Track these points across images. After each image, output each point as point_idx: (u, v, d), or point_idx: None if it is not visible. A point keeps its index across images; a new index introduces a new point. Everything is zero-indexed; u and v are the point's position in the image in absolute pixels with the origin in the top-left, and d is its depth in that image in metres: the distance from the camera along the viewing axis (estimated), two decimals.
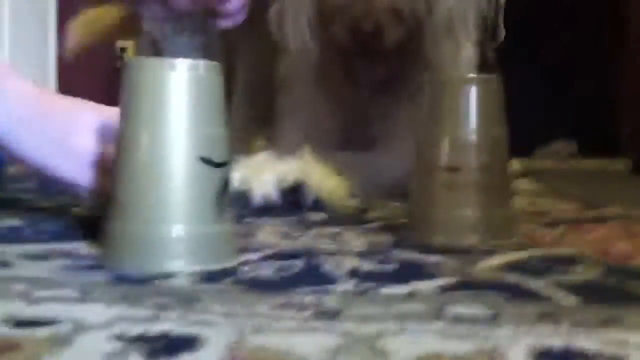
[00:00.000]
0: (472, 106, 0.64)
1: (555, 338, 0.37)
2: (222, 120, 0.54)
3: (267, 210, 0.82)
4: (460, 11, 0.96)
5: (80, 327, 0.37)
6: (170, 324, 0.38)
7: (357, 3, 0.91)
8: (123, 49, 2.75)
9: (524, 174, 1.39)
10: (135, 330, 0.37)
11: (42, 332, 0.36)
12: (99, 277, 0.49)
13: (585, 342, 0.36)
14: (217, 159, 0.53)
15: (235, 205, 0.83)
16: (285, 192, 0.85)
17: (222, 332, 0.37)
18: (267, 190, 0.84)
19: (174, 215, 0.51)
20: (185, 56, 1.42)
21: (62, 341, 0.35)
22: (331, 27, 0.95)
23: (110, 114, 0.61)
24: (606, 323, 0.40)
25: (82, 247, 0.58)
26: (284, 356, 0.34)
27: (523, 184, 1.23)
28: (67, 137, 0.62)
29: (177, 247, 0.51)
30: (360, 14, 0.91)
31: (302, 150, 0.89)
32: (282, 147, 0.96)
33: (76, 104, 0.65)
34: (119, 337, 0.36)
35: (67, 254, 0.56)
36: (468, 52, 1.05)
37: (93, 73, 2.05)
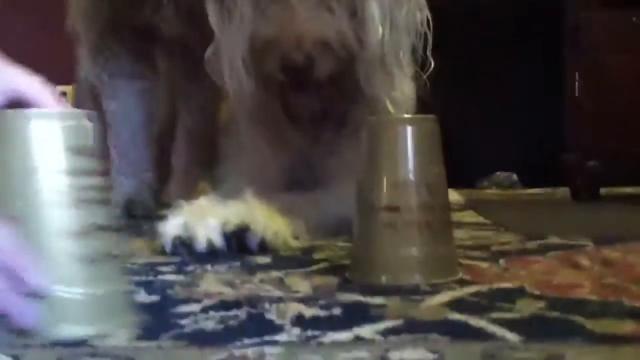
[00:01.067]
0: (409, 146, 0.64)
1: None
2: None
3: (211, 255, 0.81)
4: (392, 44, 0.97)
5: None
6: None
7: (286, 36, 0.92)
8: (63, 93, 2.71)
9: (467, 206, 1.41)
10: None
11: None
12: (31, 340, 0.47)
13: None
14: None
15: (180, 252, 0.82)
16: (229, 236, 0.84)
17: None
18: (211, 235, 0.83)
19: None
20: (125, 101, 1.39)
21: None
22: (263, 62, 0.95)
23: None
24: (549, 359, 0.40)
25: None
26: None
27: (466, 216, 1.25)
28: None
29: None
30: (289, 46, 0.91)
31: (245, 193, 0.89)
32: (226, 191, 0.95)
33: None
34: None
35: None
36: (405, 86, 1.06)
37: None
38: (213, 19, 1.01)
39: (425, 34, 1.00)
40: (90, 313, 0.49)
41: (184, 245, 0.83)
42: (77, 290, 0.48)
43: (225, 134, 1.18)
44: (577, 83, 2.02)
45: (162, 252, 0.84)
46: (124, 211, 1.28)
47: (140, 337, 0.47)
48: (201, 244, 0.82)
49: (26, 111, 0.50)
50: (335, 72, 0.94)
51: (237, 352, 0.43)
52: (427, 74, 1.03)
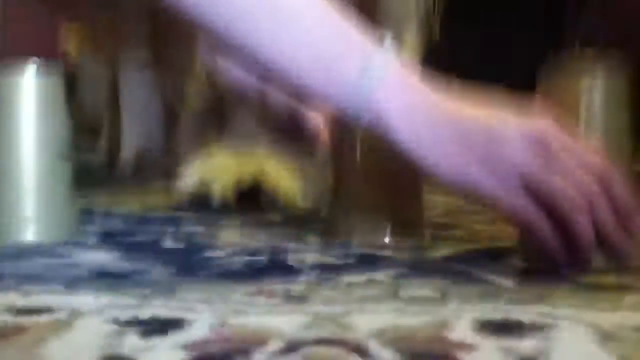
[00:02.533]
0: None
1: (495, 312, 0.43)
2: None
3: (225, 210, 0.87)
4: None
5: (76, 314, 0.41)
6: (156, 310, 0.43)
7: None
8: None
9: None
10: (126, 315, 0.41)
11: (43, 318, 0.40)
12: (79, 272, 0.53)
13: (521, 314, 0.42)
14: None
15: (196, 206, 0.88)
16: (243, 193, 0.89)
17: (204, 315, 0.42)
18: (226, 192, 0.89)
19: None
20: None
21: (63, 325, 0.39)
22: None
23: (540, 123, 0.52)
24: (539, 299, 0.46)
25: (59, 248, 0.62)
26: (263, 332, 0.39)
27: None
28: (493, 151, 0.51)
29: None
30: None
31: (257, 141, 0.94)
32: (236, 138, 1.00)
33: (497, 113, 0.53)
34: (114, 321, 0.40)
35: (44, 253, 0.59)
36: (411, 34, 1.12)
37: None
38: None
39: None
40: None
41: (200, 200, 0.89)
42: None
43: None
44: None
45: (178, 207, 0.89)
46: (134, 167, 1.33)
47: (176, 273, 0.53)
48: (216, 200, 0.88)
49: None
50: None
51: (265, 287, 0.49)
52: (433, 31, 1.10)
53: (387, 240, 0.68)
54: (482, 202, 0.53)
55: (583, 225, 0.50)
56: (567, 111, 0.55)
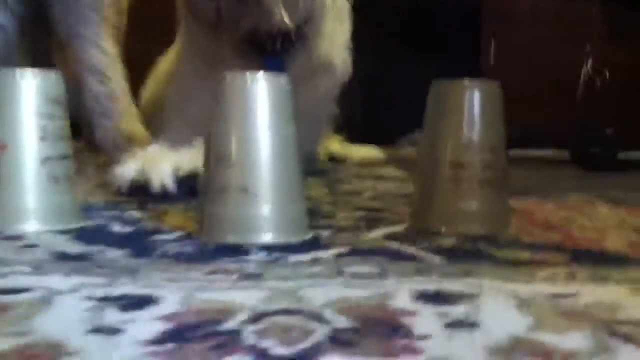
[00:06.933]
0: (476, 109, 0.70)
1: (429, 284, 0.49)
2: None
3: (164, 197, 0.90)
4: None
5: (53, 292, 0.44)
6: (126, 288, 0.46)
7: None
8: None
9: (388, 161, 1.54)
10: (99, 292, 0.45)
11: (22, 297, 0.43)
12: (40, 254, 0.56)
13: (450, 286, 0.48)
14: None
15: (135, 193, 0.91)
16: (181, 180, 0.93)
17: (171, 292, 0.46)
18: (165, 179, 0.92)
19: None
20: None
21: (43, 303, 0.42)
22: None
23: None
24: (465, 274, 0.52)
25: (11, 230, 0.64)
26: (228, 305, 0.43)
27: (388, 171, 1.37)
28: None
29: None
30: None
31: (193, 141, 0.97)
32: (172, 139, 1.03)
33: None
34: (89, 298, 0.44)
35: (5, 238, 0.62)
36: (344, 35, 1.19)
37: None
38: None
39: None
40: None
41: (139, 187, 0.92)
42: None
43: (170, 84, 1.25)
44: (492, 51, 2.18)
45: (117, 193, 0.92)
46: None
47: (132, 255, 0.57)
48: (155, 188, 0.91)
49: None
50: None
51: (220, 267, 0.53)
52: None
53: (475, 229, 0.69)
54: None
55: None
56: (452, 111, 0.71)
